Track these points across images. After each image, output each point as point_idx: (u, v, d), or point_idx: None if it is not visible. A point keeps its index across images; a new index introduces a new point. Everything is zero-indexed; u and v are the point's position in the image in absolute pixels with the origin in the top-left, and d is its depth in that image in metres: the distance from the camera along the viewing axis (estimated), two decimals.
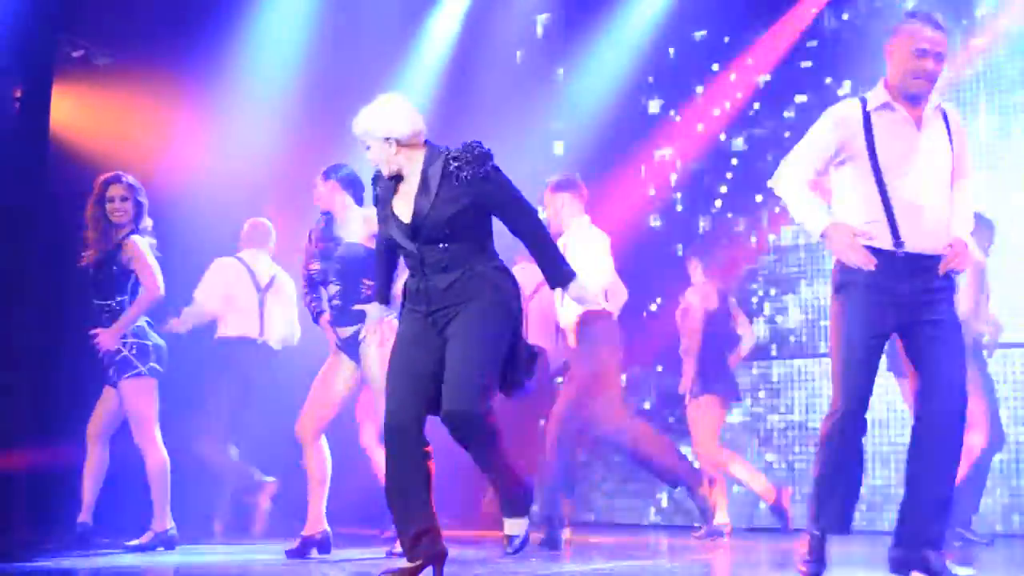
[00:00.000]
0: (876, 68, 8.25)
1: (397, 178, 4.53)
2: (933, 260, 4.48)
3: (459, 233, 4.42)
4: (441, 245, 4.42)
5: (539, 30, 9.71)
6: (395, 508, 4.43)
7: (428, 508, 4.41)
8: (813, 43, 8.73)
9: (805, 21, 8.73)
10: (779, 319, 8.64)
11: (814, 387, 8.42)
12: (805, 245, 8.57)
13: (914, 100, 4.56)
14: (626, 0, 9.10)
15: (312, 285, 6.01)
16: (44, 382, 7.33)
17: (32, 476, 7.19)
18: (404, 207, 4.48)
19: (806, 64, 8.74)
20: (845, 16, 8.66)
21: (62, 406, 7.15)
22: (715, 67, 9.12)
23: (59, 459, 6.95)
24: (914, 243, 4.47)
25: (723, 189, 9.03)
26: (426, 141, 4.55)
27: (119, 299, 6.07)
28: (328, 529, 5.87)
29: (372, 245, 5.45)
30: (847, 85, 8.47)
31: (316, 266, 5.96)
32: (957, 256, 4.48)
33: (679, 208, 9.23)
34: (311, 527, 5.82)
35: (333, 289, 5.88)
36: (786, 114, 8.80)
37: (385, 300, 4.84)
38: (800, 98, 8.75)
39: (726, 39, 9.10)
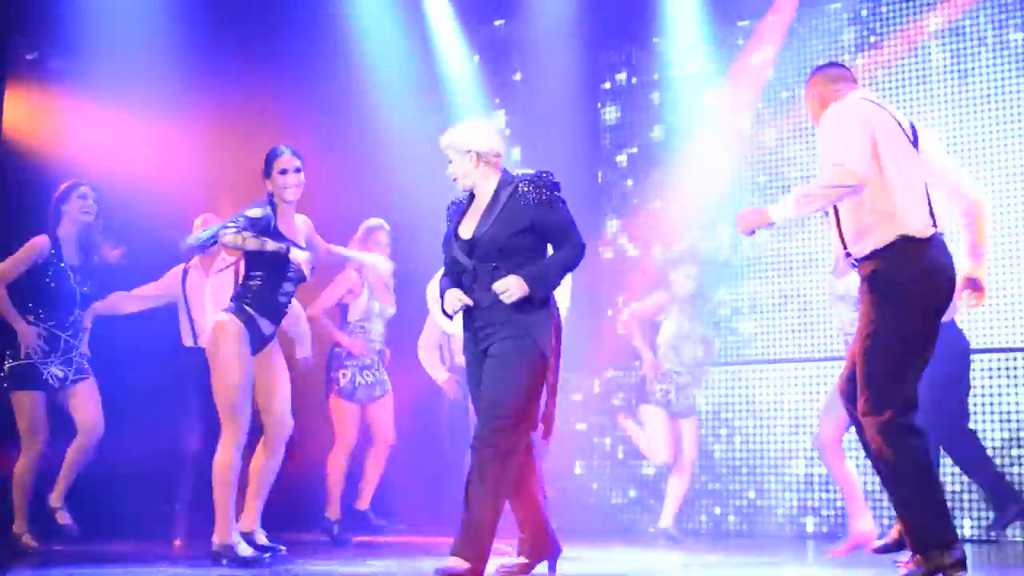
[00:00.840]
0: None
1: (468, 200, 4.93)
2: (856, 269, 4.63)
3: (514, 253, 4.73)
4: (494, 264, 4.72)
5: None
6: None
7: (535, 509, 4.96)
8: (774, 46, 8.71)
9: (770, 25, 8.74)
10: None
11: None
12: (761, 251, 8.61)
13: None
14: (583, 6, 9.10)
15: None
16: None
17: None
18: (469, 225, 4.84)
19: (769, 71, 8.75)
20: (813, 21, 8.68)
21: None
22: (675, 72, 9.14)
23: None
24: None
25: (681, 195, 9.04)
26: (503, 168, 4.92)
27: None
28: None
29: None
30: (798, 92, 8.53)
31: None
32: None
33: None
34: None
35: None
36: (746, 119, 8.83)
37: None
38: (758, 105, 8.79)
39: (685, 45, 9.10)
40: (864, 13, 8.42)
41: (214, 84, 8.02)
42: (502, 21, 9.64)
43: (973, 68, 7.96)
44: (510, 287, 4.64)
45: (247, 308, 5.53)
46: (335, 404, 7.26)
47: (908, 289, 4.41)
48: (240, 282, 5.71)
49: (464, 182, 4.90)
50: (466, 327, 4.84)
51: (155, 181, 7.58)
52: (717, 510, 8.47)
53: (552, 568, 5.12)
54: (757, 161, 8.70)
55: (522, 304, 4.68)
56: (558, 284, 4.79)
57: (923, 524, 4.35)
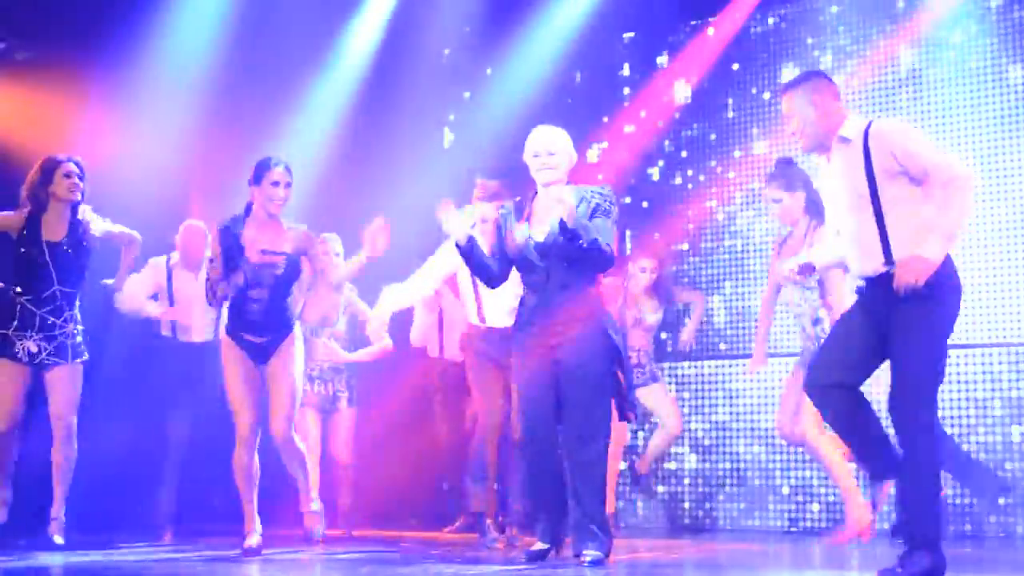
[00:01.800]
0: (800, 71, 8.49)
1: (526, 203, 5.34)
2: (880, 279, 4.63)
3: (584, 258, 5.09)
4: (566, 264, 5.13)
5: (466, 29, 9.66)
6: (534, 500, 5.44)
7: (562, 500, 5.26)
8: (740, 46, 8.78)
9: (735, 25, 8.79)
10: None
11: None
12: (729, 247, 8.65)
13: (817, 154, 4.92)
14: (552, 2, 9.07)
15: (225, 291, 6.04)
16: None
17: None
18: (541, 228, 5.21)
19: (735, 67, 8.80)
20: (771, 20, 8.72)
21: None
22: (641, 69, 9.17)
23: None
24: (854, 270, 4.78)
25: (649, 192, 9.07)
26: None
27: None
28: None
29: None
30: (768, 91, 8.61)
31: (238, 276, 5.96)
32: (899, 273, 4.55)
33: None
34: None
35: (256, 294, 5.90)
36: (712, 117, 8.87)
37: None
38: (726, 101, 8.82)
39: (653, 41, 9.14)
40: (834, 10, 8.49)
41: (187, 76, 8.00)
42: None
43: (939, 73, 8.03)
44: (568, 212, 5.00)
45: (230, 324, 5.93)
46: None
47: (954, 296, 4.61)
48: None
49: (555, 174, 5.29)
50: (530, 322, 5.23)
51: (123, 172, 7.48)
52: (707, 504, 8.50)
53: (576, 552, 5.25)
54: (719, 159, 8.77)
55: (587, 300, 5.18)
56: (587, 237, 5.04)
57: (931, 521, 4.49)
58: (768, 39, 8.71)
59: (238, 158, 7.88)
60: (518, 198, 5.56)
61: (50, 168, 6.22)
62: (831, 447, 6.08)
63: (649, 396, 7.76)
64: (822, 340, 5.77)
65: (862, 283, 4.75)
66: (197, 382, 7.20)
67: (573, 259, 5.12)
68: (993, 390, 7.59)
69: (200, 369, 7.19)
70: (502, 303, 6.24)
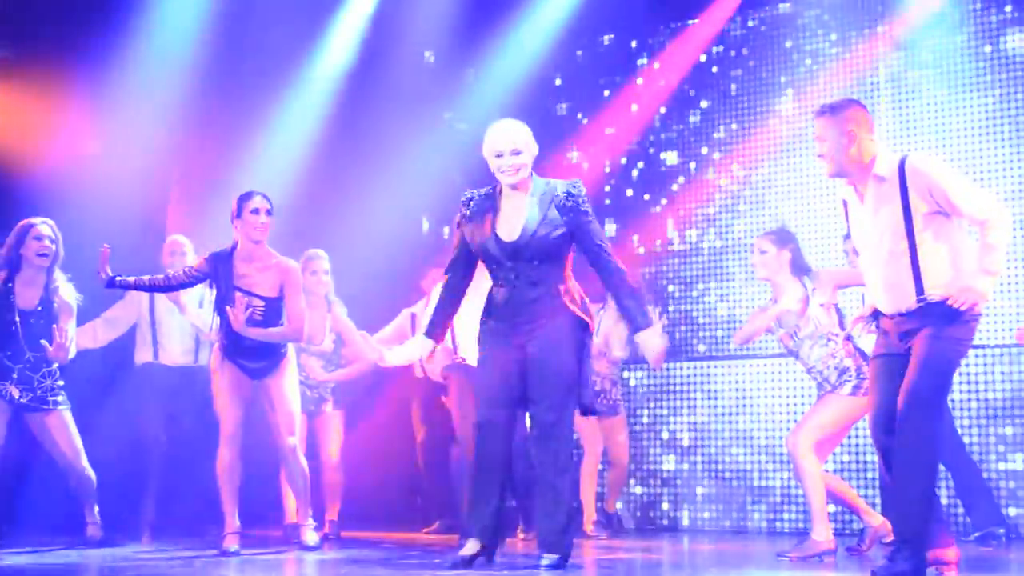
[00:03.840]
0: (779, 74, 8.56)
1: (494, 198, 5.19)
2: (906, 315, 4.74)
3: (552, 253, 5.08)
4: (536, 262, 5.07)
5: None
6: (474, 491, 5.14)
7: (503, 494, 5.15)
8: (719, 48, 8.83)
9: (714, 27, 8.82)
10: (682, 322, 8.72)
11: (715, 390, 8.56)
12: (709, 248, 8.70)
13: (848, 178, 4.87)
14: (533, 3, 9.06)
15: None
16: None
17: None
18: (508, 228, 5.11)
19: (714, 69, 8.84)
20: (751, 23, 8.77)
21: None
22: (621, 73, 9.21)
23: None
24: (885, 307, 4.82)
25: (629, 192, 9.11)
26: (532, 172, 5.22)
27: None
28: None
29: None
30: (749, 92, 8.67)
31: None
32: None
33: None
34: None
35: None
36: (691, 119, 8.90)
37: (439, 334, 5.36)
38: (704, 103, 8.87)
39: (633, 44, 9.18)
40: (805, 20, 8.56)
41: (166, 76, 8.00)
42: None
43: (919, 77, 8.09)
44: (657, 351, 5.19)
45: (227, 348, 6.07)
46: None
47: (974, 324, 4.72)
48: None
49: (522, 174, 5.15)
50: (499, 316, 5.15)
51: (99, 173, 7.58)
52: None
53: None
54: (706, 159, 8.81)
55: (558, 296, 5.10)
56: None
57: (919, 523, 4.59)
58: (748, 41, 8.75)
59: (217, 160, 7.92)
60: (484, 190, 5.32)
61: (23, 231, 6.25)
62: (815, 464, 6.10)
63: (606, 427, 7.66)
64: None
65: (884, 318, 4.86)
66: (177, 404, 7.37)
67: (541, 258, 5.09)
68: (969, 392, 7.65)
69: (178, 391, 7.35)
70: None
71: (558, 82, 9.45)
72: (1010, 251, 7.39)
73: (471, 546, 5.08)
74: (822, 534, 5.96)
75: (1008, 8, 7.93)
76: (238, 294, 5.95)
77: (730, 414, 8.42)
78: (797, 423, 6.28)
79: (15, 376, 6.19)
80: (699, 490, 8.43)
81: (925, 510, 4.62)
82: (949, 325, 4.64)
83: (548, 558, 4.99)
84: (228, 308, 5.90)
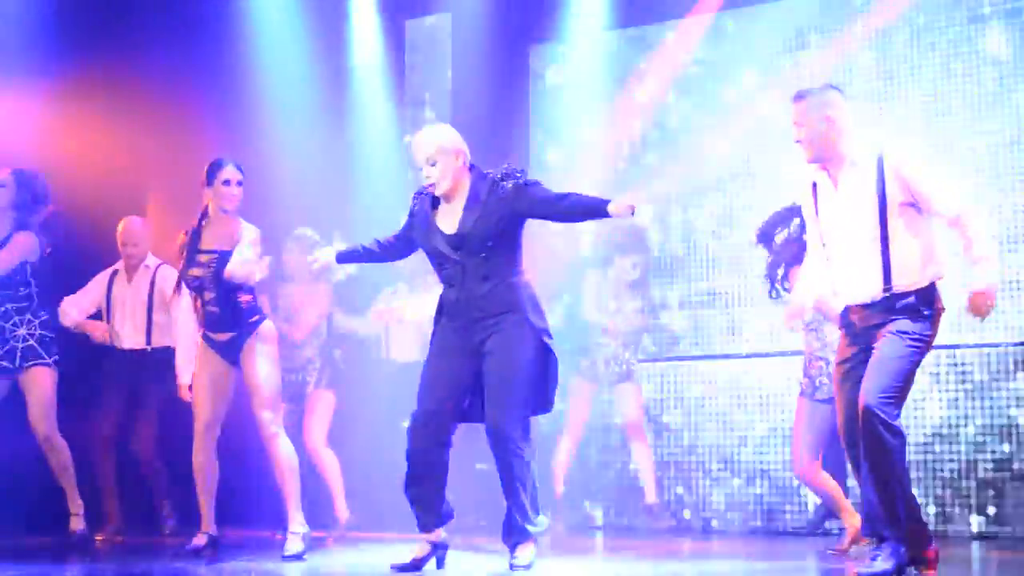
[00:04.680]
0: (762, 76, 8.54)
1: (437, 196, 5.08)
2: (875, 303, 4.76)
3: (499, 244, 4.98)
4: (483, 255, 4.96)
5: None
6: (414, 493, 5.06)
7: (442, 494, 5.09)
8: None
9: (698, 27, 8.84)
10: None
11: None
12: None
13: (821, 164, 4.87)
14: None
15: (192, 290, 6.09)
16: None
17: None
18: (450, 221, 5.04)
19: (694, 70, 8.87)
20: (730, 25, 8.77)
21: None
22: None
23: None
24: (849, 296, 4.84)
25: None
26: (471, 165, 5.12)
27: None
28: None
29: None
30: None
31: (196, 272, 6.01)
32: None
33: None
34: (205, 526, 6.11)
35: (208, 295, 5.98)
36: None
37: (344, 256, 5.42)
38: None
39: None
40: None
41: (136, 71, 8.14)
42: (432, 17, 9.69)
43: (900, 70, 8.11)
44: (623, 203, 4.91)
45: (203, 326, 6.03)
46: None
47: (938, 319, 4.79)
48: None
49: (445, 183, 5.05)
50: (452, 316, 5.06)
51: (85, 175, 7.65)
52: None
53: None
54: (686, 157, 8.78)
55: (511, 290, 5.01)
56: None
57: (896, 520, 4.68)
58: (729, 42, 8.74)
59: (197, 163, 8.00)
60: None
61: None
62: (826, 479, 6.15)
63: (616, 393, 7.97)
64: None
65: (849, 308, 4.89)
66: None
67: (488, 250, 5.00)
68: (932, 389, 7.69)
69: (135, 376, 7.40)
70: None
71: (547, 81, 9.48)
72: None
73: (420, 548, 5.13)
74: (853, 520, 5.98)
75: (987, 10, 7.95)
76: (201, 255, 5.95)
77: (723, 411, 8.44)
78: (793, 448, 6.28)
79: None
80: (688, 485, 8.45)
81: (901, 510, 4.68)
82: (915, 322, 4.69)
83: (518, 557, 5.05)
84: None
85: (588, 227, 8.21)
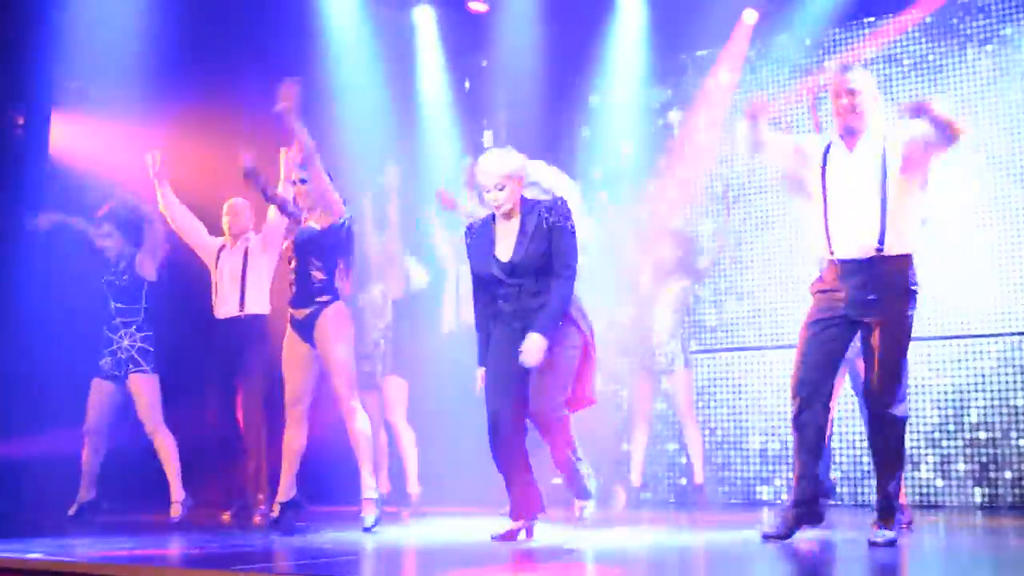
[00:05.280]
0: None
1: (490, 224, 5.50)
2: (862, 263, 5.16)
3: (545, 267, 5.37)
4: (533, 277, 5.39)
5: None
6: (506, 485, 5.52)
7: (528, 486, 5.51)
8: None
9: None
10: None
11: None
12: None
13: (848, 133, 5.28)
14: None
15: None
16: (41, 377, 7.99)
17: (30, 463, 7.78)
18: (504, 248, 5.44)
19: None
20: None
21: (56, 397, 7.88)
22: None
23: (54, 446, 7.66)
24: (844, 250, 5.20)
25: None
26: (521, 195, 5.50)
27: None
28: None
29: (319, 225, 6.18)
30: None
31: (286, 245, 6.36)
32: None
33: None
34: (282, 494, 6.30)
35: (291, 264, 6.26)
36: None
37: (485, 329, 5.61)
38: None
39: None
40: (808, 43, 9.33)
41: (233, 103, 8.77)
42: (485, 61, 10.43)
43: (907, 88, 8.80)
44: (534, 352, 5.29)
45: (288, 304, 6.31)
46: None
47: (916, 290, 5.21)
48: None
49: (508, 206, 5.42)
50: (507, 322, 5.47)
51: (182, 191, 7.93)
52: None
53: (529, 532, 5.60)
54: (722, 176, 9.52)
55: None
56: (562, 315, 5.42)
57: (896, 495, 5.19)
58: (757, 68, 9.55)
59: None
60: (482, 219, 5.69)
61: None
62: None
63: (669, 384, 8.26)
64: None
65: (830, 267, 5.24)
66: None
67: (537, 271, 5.38)
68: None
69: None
70: None
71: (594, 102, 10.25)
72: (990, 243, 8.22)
73: (510, 523, 5.57)
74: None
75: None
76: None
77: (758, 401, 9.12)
78: None
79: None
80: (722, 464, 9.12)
81: (899, 485, 5.23)
82: (903, 303, 5.12)
83: (583, 506, 5.72)
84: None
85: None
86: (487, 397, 5.45)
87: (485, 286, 5.55)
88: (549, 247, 5.37)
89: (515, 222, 5.45)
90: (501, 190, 5.38)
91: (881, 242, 5.12)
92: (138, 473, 7.71)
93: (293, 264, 6.21)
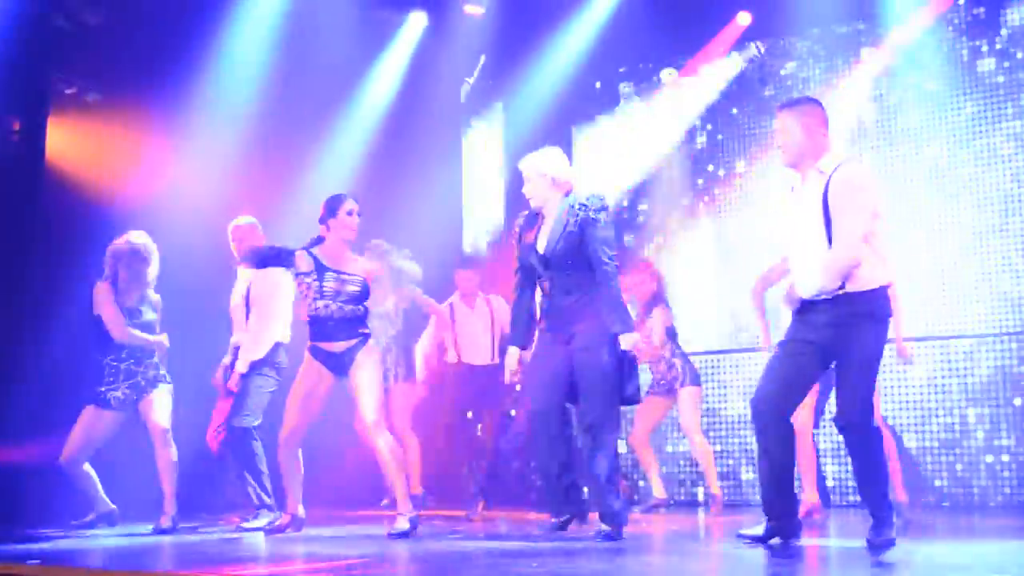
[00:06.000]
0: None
1: (539, 216, 5.78)
2: (816, 303, 5.10)
3: (578, 263, 5.64)
4: (566, 273, 5.66)
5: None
6: (543, 483, 5.83)
7: (567, 485, 5.73)
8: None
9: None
10: None
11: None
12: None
13: (796, 168, 5.27)
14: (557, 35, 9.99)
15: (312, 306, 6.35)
16: (42, 384, 7.82)
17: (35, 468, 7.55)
18: (542, 240, 5.74)
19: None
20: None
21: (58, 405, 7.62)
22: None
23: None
24: (803, 289, 5.16)
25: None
26: (567, 192, 5.78)
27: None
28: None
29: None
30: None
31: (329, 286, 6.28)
32: None
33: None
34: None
35: (327, 309, 6.23)
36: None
37: (522, 341, 5.89)
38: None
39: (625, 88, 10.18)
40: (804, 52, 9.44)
41: (234, 108, 8.76)
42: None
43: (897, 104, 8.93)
44: (630, 344, 5.59)
45: (310, 335, 6.33)
46: None
47: (887, 320, 5.15)
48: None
49: (536, 201, 5.80)
50: (547, 322, 5.73)
51: (180, 197, 8.13)
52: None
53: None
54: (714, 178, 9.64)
55: (591, 303, 5.62)
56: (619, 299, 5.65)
57: (887, 503, 5.15)
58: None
59: (275, 187, 8.73)
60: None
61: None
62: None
63: (667, 405, 8.27)
64: None
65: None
66: None
67: (569, 267, 5.61)
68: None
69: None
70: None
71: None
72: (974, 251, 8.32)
73: (554, 520, 5.87)
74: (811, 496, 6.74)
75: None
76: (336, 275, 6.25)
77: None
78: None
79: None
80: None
81: (887, 492, 5.19)
82: (876, 324, 5.06)
83: (603, 529, 5.63)
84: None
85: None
86: (532, 394, 5.78)
87: (526, 274, 5.85)
88: (582, 240, 5.62)
89: (554, 216, 5.75)
90: (529, 182, 5.80)
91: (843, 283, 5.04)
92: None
93: (331, 306, 6.22)
